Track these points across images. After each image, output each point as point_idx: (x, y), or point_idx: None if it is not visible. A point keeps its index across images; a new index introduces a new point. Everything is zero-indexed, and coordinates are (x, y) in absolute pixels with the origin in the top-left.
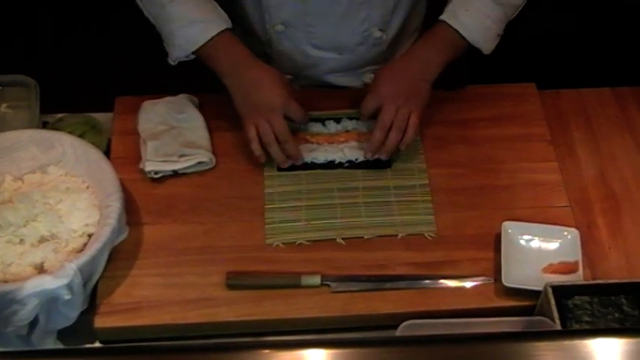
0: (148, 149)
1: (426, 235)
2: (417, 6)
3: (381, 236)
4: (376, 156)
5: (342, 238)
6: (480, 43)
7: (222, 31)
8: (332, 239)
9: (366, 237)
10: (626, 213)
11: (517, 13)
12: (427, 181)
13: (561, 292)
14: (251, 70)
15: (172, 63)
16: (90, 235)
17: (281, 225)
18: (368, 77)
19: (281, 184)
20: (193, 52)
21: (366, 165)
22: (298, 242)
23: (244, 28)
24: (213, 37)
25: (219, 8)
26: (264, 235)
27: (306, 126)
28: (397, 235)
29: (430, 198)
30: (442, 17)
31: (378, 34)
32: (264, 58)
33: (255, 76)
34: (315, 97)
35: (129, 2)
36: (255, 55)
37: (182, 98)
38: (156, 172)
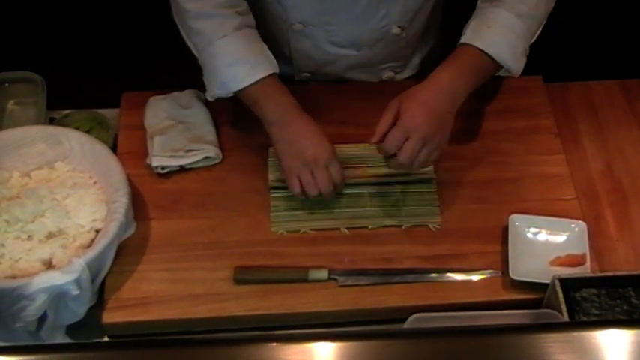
0: (155, 144)
1: (430, 226)
2: (436, 11)
3: (385, 227)
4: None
5: (347, 228)
6: (508, 61)
7: (269, 75)
8: (336, 229)
9: (370, 227)
10: (634, 205)
11: (540, 29)
12: (433, 174)
13: (569, 284)
14: (299, 120)
15: (210, 99)
16: (97, 231)
17: (286, 214)
18: (386, 74)
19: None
20: (235, 93)
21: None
22: (302, 231)
23: (263, 28)
24: (259, 80)
25: (268, 51)
26: (270, 225)
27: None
28: (401, 226)
29: (436, 189)
30: (464, 40)
31: (396, 31)
32: (282, 58)
33: (303, 127)
34: (331, 91)
35: None
36: (274, 54)
37: (188, 93)
38: (163, 168)
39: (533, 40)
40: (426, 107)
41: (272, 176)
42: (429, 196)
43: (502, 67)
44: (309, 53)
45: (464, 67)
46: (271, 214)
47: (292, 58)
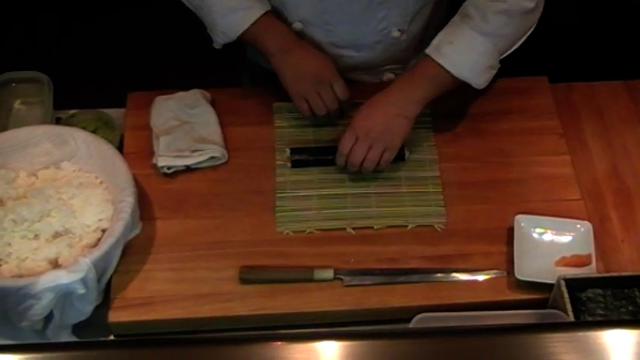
0: (161, 144)
1: (435, 227)
2: (436, 13)
3: (390, 227)
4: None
5: (352, 228)
6: (467, 77)
7: (264, 15)
8: (342, 229)
9: (376, 227)
10: (639, 206)
11: (515, 46)
12: (438, 173)
13: (574, 285)
14: (299, 46)
15: (217, 47)
16: (103, 230)
17: (291, 214)
18: (387, 76)
19: (293, 173)
20: (237, 38)
21: None
22: (308, 231)
23: None
24: (255, 22)
25: None
26: (275, 225)
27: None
28: (407, 226)
29: (441, 190)
30: (426, 51)
31: (396, 33)
32: None
33: (304, 51)
34: None
35: None
36: None
37: (194, 93)
38: (168, 167)
39: (508, 52)
40: (374, 110)
41: (279, 171)
42: (435, 196)
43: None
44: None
45: (422, 77)
46: (277, 214)
47: None
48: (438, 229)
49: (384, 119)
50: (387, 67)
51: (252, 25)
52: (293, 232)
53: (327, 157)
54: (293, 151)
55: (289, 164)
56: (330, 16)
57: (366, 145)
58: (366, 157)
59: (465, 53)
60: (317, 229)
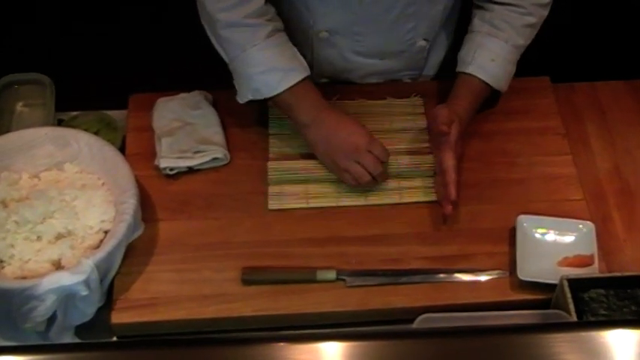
0: (163, 146)
1: (427, 199)
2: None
3: (381, 205)
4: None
5: (342, 206)
6: (505, 87)
7: (302, 80)
8: (332, 207)
9: (366, 204)
10: None
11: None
12: (432, 162)
13: (577, 285)
14: (330, 117)
15: (241, 102)
16: (106, 232)
17: (284, 187)
18: (404, 80)
19: (286, 146)
20: (269, 99)
21: None
22: (300, 207)
23: (287, 32)
24: (292, 86)
25: (299, 55)
26: (266, 203)
27: None
28: (399, 204)
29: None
30: (470, 71)
31: (422, 43)
32: None
33: (335, 121)
34: (354, 91)
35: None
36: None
37: (196, 95)
38: (171, 169)
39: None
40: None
41: (271, 189)
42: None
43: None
44: (332, 60)
45: (472, 98)
46: (269, 188)
47: (313, 63)
48: (429, 202)
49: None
50: (405, 72)
51: (289, 88)
52: (282, 210)
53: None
54: None
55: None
56: (360, 26)
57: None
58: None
59: (505, 67)
60: (310, 207)
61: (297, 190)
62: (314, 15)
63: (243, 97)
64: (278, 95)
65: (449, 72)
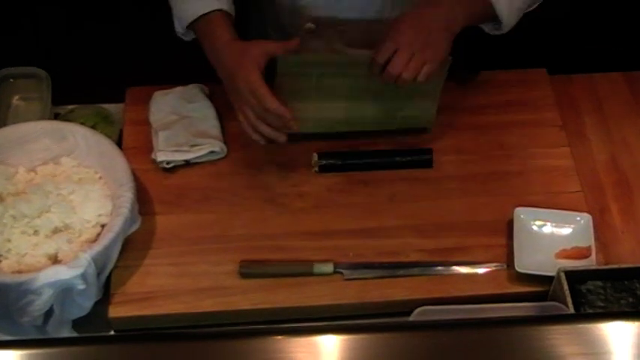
0: (160, 139)
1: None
2: None
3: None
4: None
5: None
6: (503, 10)
7: (213, 12)
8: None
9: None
10: (639, 197)
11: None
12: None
13: (574, 277)
14: (227, 56)
15: (185, 38)
16: (103, 226)
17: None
18: None
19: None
20: (191, 29)
21: (407, 164)
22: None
23: (274, 24)
24: (202, 16)
25: None
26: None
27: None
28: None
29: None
30: None
31: None
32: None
33: (230, 62)
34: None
35: None
36: None
37: (193, 88)
38: (168, 162)
39: (530, 9)
40: (419, 21)
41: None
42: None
43: (496, 16)
44: (318, 51)
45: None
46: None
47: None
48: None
49: (430, 31)
50: None
51: (199, 18)
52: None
53: (355, 162)
54: (320, 156)
55: (316, 169)
56: (345, 16)
57: (407, 56)
58: (407, 67)
59: None
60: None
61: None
62: (299, 6)
63: (177, 30)
64: (194, 25)
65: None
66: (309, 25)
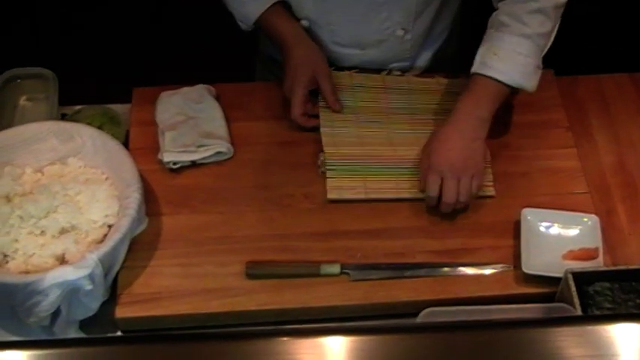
0: (166, 140)
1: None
2: (443, 9)
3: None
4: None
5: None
6: (520, 82)
7: (272, 7)
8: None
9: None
10: None
11: (551, 41)
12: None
13: (582, 278)
14: (292, 60)
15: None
16: (110, 226)
17: (342, 179)
18: (393, 73)
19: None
20: (256, 25)
21: None
22: (360, 198)
23: None
24: (265, 11)
25: None
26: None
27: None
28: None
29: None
30: (474, 70)
31: (400, 32)
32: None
33: (292, 62)
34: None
35: None
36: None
37: (199, 88)
38: (174, 163)
39: (545, 51)
40: (448, 143)
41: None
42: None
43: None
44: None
45: (480, 96)
46: (327, 179)
47: None
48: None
49: (463, 148)
50: (393, 64)
51: (264, 13)
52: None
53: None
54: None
55: (323, 169)
56: (332, 16)
57: (455, 181)
58: (459, 192)
59: (511, 59)
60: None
61: (355, 183)
62: (291, 4)
63: (241, 27)
64: (259, 22)
65: (449, 65)
66: (304, 21)
